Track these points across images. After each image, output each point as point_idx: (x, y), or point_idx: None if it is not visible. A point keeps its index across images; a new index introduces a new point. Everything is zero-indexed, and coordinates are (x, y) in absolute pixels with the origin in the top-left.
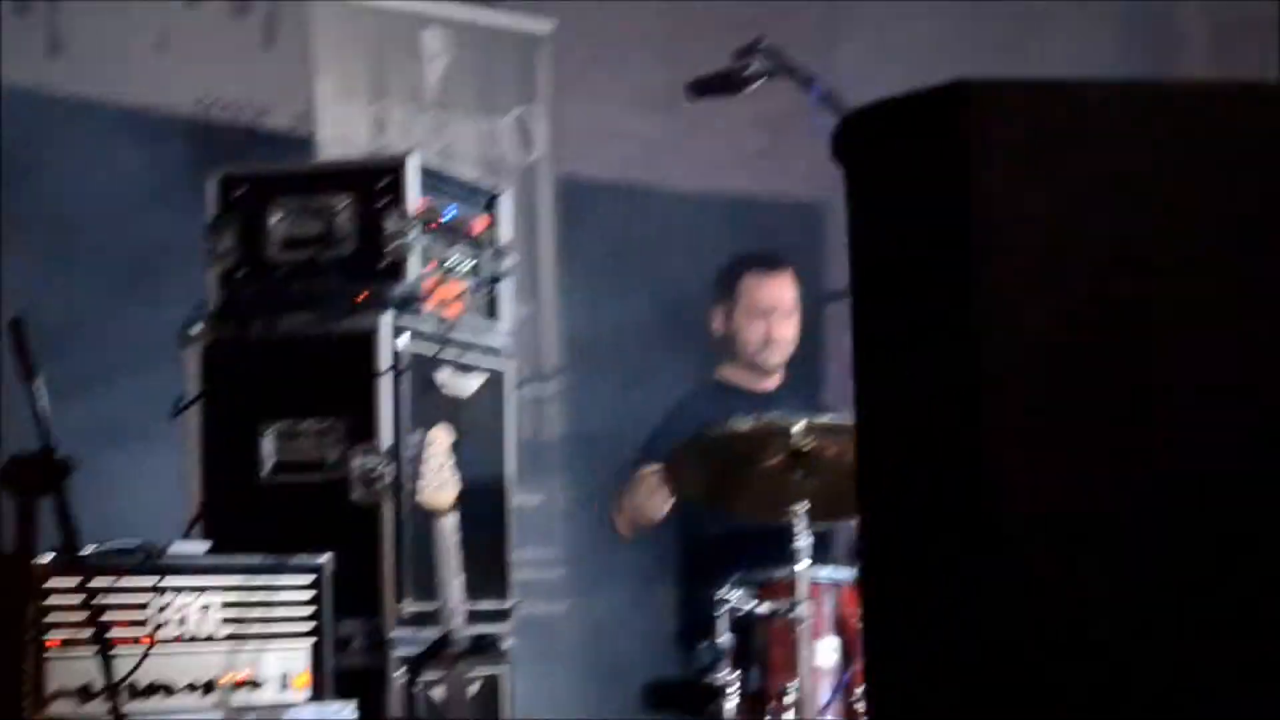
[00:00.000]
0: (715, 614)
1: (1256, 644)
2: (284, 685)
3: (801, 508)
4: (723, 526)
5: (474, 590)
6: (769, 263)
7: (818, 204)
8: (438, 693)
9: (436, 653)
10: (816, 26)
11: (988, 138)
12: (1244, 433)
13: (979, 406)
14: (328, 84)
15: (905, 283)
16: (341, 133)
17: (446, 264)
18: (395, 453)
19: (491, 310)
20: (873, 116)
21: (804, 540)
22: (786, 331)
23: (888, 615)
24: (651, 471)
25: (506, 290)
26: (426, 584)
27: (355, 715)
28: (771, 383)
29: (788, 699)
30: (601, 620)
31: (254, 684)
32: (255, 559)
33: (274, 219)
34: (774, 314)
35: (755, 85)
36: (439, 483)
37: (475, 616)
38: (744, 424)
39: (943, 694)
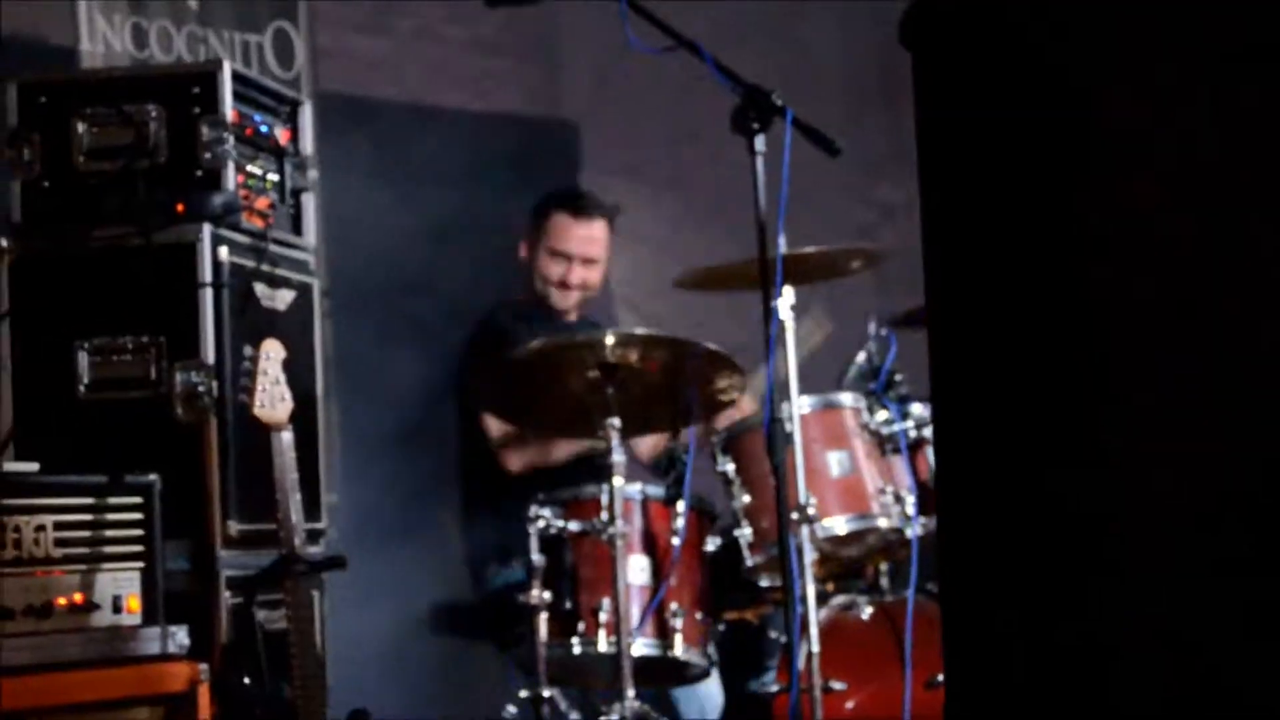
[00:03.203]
0: (513, 535)
1: None
2: (116, 608)
3: (614, 423)
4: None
5: None
6: (578, 208)
7: (570, 123)
8: (273, 615)
9: (277, 574)
10: None
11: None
12: None
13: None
14: None
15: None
16: (103, 48)
17: (254, 175)
18: (219, 368)
19: (296, 224)
20: None
21: (618, 456)
22: (586, 278)
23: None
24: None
25: (309, 203)
26: (254, 504)
27: (187, 641)
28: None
29: (602, 617)
30: (376, 545)
31: (90, 607)
32: (88, 479)
33: (81, 128)
34: (574, 260)
35: None
36: (275, 397)
37: None
38: (552, 339)
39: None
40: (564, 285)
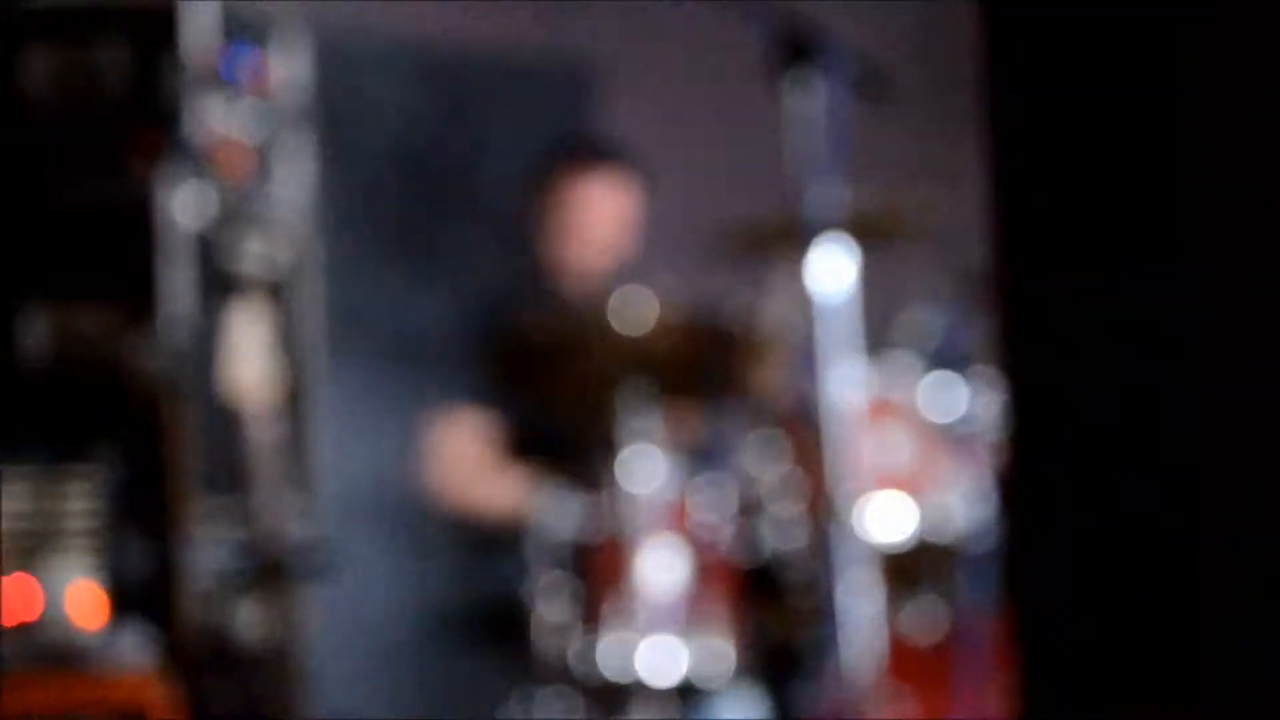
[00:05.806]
0: (515, 529)
1: None
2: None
3: (633, 405)
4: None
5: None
6: (590, 158)
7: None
8: (248, 618)
9: (251, 571)
10: None
11: None
12: None
13: None
14: None
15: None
16: None
17: (223, 120)
18: (185, 337)
19: (269, 174)
20: None
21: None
22: (606, 238)
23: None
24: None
25: (284, 152)
26: (224, 490)
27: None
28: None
29: (609, 617)
30: (366, 539)
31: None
32: (43, 461)
33: (34, 67)
34: (595, 218)
35: None
36: (249, 368)
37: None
38: (571, 318)
39: None
40: (586, 246)
